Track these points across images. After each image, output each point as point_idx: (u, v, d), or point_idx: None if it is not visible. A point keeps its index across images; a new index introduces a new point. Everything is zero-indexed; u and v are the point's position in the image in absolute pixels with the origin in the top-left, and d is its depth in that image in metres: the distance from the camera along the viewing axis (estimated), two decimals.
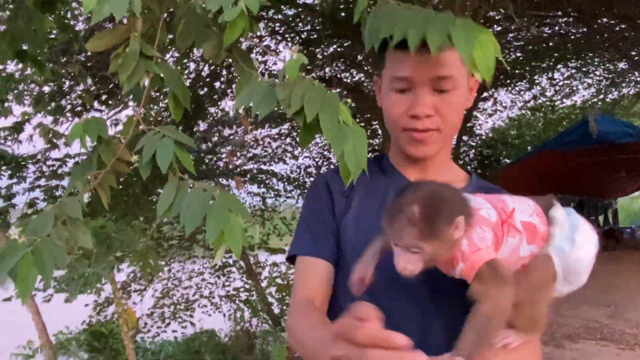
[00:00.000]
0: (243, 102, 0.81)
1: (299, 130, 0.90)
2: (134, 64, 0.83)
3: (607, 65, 7.92)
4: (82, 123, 0.84)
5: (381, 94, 1.08)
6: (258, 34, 6.28)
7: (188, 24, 0.88)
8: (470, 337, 0.75)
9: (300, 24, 6.31)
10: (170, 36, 0.95)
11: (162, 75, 0.90)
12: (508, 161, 10.21)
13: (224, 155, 8.28)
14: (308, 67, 6.77)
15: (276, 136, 8.78)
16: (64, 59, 4.35)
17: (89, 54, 4.14)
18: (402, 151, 1.07)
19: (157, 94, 4.99)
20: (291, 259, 1.09)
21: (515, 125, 11.28)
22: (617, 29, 6.43)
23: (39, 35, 1.29)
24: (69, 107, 4.82)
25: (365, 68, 6.53)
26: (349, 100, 0.88)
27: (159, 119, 6.36)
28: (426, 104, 0.97)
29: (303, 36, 6.42)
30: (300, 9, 5.85)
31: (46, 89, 4.60)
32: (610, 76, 8.30)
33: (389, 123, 1.06)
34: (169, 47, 5.46)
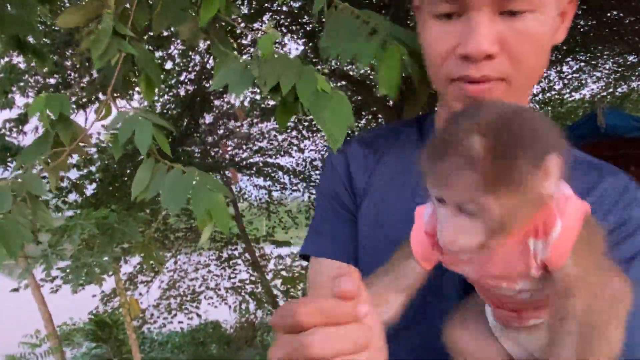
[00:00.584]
0: (220, 83, 0.81)
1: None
2: (106, 42, 0.82)
3: (617, 58, 7.83)
4: (44, 98, 0.83)
5: (420, 24, 0.72)
6: (263, 26, 6.28)
7: (166, 6, 0.88)
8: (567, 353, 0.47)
9: (305, 16, 6.29)
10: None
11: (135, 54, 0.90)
12: None
13: (229, 148, 8.31)
14: (313, 60, 6.76)
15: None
16: (70, 50, 4.37)
17: None
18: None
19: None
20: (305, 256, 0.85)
21: None
22: (627, 21, 6.34)
23: (32, 22, 1.30)
24: (73, 99, 4.85)
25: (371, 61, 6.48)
26: (326, 70, 0.88)
27: (164, 111, 6.39)
28: (485, 36, 0.61)
29: (308, 28, 6.40)
30: (305, 1, 5.83)
31: (51, 80, 4.63)
32: (619, 69, 8.20)
33: (429, 69, 0.71)
34: (173, 39, 5.48)
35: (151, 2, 1.02)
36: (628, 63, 7.87)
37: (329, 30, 0.78)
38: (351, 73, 7.23)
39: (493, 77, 0.64)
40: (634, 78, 8.49)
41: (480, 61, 0.63)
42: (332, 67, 6.98)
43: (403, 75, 0.81)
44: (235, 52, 0.91)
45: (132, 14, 0.85)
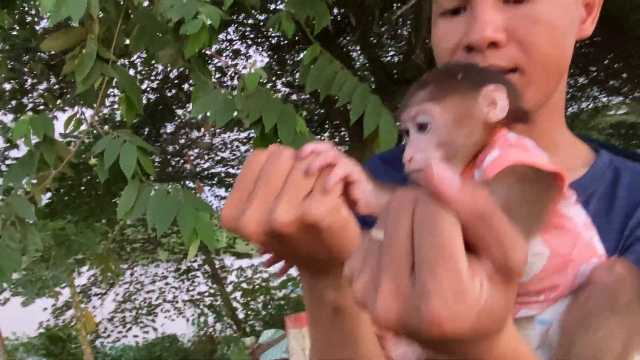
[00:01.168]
0: (200, 111, 0.83)
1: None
2: (90, 66, 0.83)
3: (568, 80, 8.21)
4: (28, 120, 0.83)
5: (432, 27, 0.71)
6: (228, 37, 6.28)
7: (143, 28, 0.89)
8: None
9: (270, 29, 6.33)
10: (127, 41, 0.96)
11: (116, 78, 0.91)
12: None
13: (191, 158, 8.22)
14: (278, 72, 6.79)
15: (245, 140, 8.75)
16: (27, 56, 4.25)
17: (53, 52, 4.07)
18: None
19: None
20: None
21: None
22: (577, 45, 6.68)
23: None
24: (30, 105, 4.71)
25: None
26: (304, 112, 0.91)
27: (117, 121, 6.27)
28: (487, 22, 0.59)
29: (273, 41, 6.43)
30: (270, 15, 5.87)
31: (7, 86, 4.48)
32: (570, 90, 8.60)
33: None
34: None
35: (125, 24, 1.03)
36: (579, 84, 8.26)
37: (313, 71, 0.84)
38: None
39: (502, 67, 0.60)
40: (583, 99, 8.91)
41: (485, 50, 0.60)
42: (297, 81, 7.04)
43: None
44: (213, 80, 0.93)
45: (115, 38, 0.86)
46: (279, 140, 0.81)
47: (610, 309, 0.51)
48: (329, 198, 0.45)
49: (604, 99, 9.24)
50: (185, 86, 6.70)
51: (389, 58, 6.90)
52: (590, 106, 9.61)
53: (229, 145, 8.76)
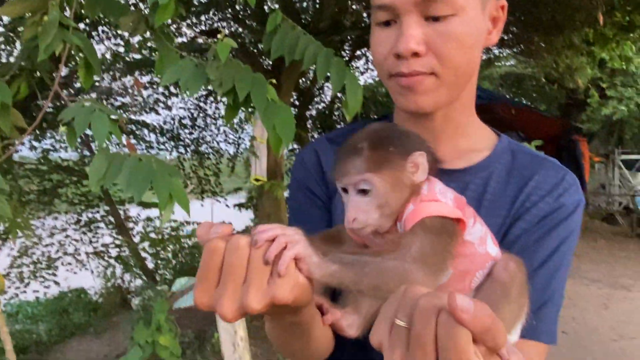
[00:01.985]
0: (171, 79, 0.85)
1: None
2: (54, 33, 0.82)
3: None
4: None
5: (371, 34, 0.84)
6: None
7: None
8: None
9: None
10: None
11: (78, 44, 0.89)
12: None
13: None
14: (183, 15, 6.47)
15: (147, 84, 8.31)
16: None
17: None
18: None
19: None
20: None
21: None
22: None
23: None
24: None
25: (249, 22, 6.39)
26: (274, 81, 0.96)
27: None
28: (411, 37, 0.73)
29: None
30: None
31: None
32: None
33: (377, 69, 0.83)
34: None
35: None
36: None
37: (277, 38, 0.88)
38: (222, 29, 7.01)
39: (422, 72, 0.75)
40: None
41: (409, 58, 0.75)
42: (204, 23, 6.76)
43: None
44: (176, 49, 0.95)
45: (75, 4, 0.84)
46: (251, 105, 0.86)
47: (506, 301, 0.67)
48: (288, 279, 0.55)
49: (496, 51, 9.92)
50: (81, 25, 6.19)
51: (298, 3, 6.82)
52: (483, 58, 10.29)
53: (130, 90, 8.30)
